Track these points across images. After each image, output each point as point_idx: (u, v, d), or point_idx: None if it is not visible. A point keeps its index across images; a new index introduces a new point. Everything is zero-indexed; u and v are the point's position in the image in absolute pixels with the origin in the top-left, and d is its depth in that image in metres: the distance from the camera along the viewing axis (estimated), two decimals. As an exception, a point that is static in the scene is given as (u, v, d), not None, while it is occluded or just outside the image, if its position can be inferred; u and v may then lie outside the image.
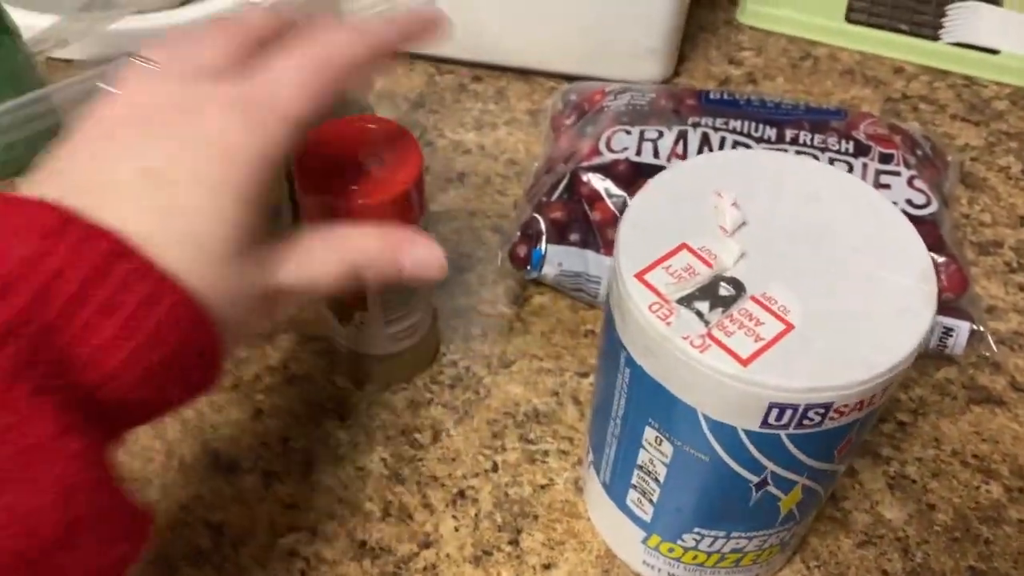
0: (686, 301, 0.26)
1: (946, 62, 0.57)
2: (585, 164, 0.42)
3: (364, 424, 0.40)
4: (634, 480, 0.31)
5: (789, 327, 0.25)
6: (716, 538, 0.31)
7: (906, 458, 0.39)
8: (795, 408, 0.25)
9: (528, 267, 0.42)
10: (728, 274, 0.26)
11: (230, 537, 0.36)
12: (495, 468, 0.39)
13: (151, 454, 0.39)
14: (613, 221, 0.42)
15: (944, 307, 0.39)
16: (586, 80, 0.53)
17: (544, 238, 0.42)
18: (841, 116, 0.45)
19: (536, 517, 0.37)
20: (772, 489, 0.28)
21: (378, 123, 0.34)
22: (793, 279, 0.26)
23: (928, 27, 0.58)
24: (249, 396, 0.41)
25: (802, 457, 0.27)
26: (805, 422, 0.25)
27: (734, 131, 0.43)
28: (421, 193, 0.34)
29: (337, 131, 0.33)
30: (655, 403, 0.27)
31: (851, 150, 0.42)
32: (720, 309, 0.26)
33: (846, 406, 0.25)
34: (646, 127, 0.43)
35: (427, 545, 0.36)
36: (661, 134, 0.43)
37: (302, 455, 0.39)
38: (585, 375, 0.42)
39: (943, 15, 0.59)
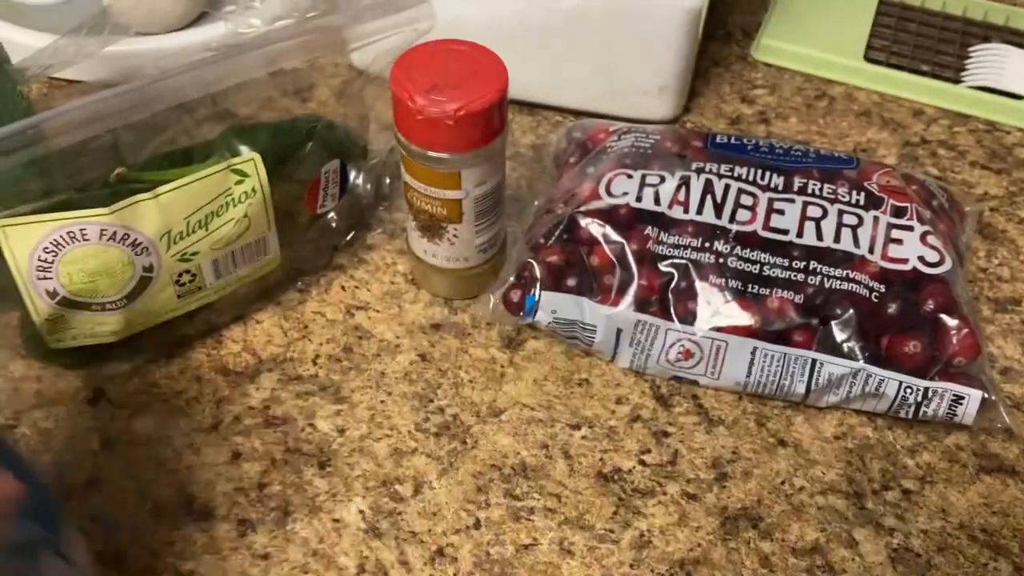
0: None
1: (968, 106, 0.55)
2: (584, 208, 0.41)
3: (344, 473, 0.38)
4: None
5: None
6: None
7: (910, 530, 0.37)
8: None
9: (521, 313, 0.41)
10: None
11: (198, 589, 0.35)
12: (477, 525, 0.37)
13: (124, 495, 0.37)
14: (611, 267, 0.40)
15: (954, 373, 0.38)
16: (592, 116, 0.51)
17: (539, 284, 0.40)
18: (853, 165, 0.43)
19: (517, 579, 0.35)
20: None
21: (467, 46, 0.38)
22: None
23: (950, 69, 0.56)
24: (227, 438, 0.39)
25: None
26: None
27: (739, 178, 0.41)
28: (502, 110, 0.38)
29: (431, 51, 0.38)
30: None
31: (862, 202, 0.41)
32: None
33: None
34: (648, 171, 0.42)
35: (402, 605, 0.35)
36: (663, 179, 0.41)
37: (278, 503, 0.37)
38: (577, 427, 0.40)
39: (966, 57, 0.57)
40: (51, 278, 0.36)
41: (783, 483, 0.38)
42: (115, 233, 0.36)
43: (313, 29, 0.44)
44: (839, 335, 0.38)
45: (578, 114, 0.53)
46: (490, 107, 0.36)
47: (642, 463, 0.39)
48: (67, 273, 0.36)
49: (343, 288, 0.45)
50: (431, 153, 0.38)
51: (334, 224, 0.45)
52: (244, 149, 0.38)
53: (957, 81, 0.55)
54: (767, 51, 0.57)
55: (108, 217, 0.35)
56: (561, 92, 0.52)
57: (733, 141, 0.44)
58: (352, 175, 0.45)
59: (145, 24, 0.47)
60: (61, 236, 0.35)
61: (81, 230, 0.35)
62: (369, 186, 0.47)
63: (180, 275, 0.38)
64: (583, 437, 0.40)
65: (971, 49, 0.57)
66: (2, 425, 0.40)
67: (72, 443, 0.39)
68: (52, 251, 0.35)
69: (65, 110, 0.38)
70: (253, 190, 0.38)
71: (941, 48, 0.57)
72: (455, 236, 0.41)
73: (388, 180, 0.49)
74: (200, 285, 0.40)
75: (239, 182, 0.38)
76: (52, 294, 0.36)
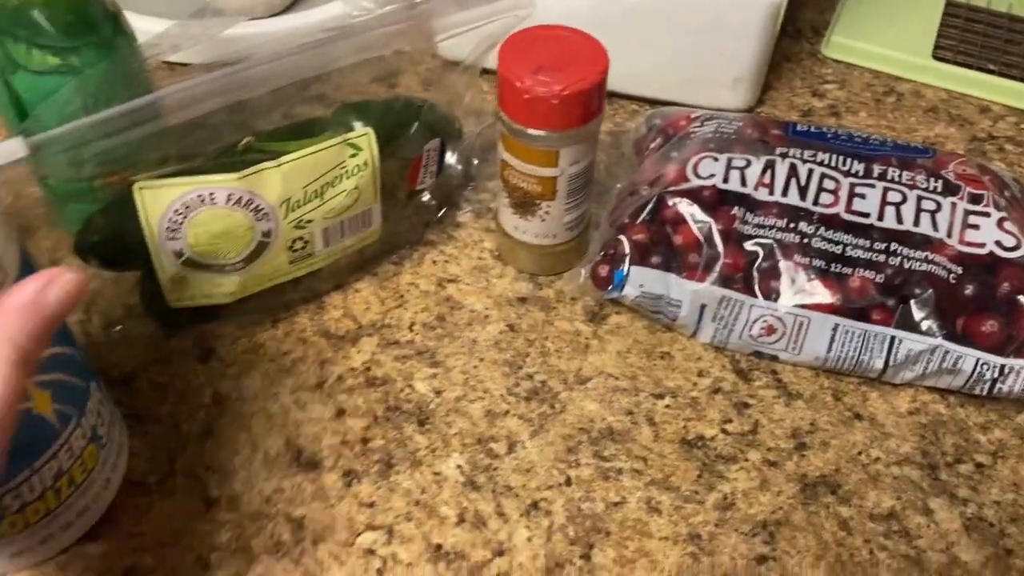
0: None
1: (1034, 104, 0.56)
2: (672, 188, 0.43)
3: (442, 430, 0.41)
4: None
5: None
6: (27, 481, 0.32)
7: (983, 500, 0.39)
8: None
9: (609, 287, 0.43)
10: None
11: (310, 532, 0.37)
12: (569, 482, 0.39)
13: (237, 445, 0.40)
14: (696, 246, 0.42)
15: (1031, 351, 0.39)
16: (668, 105, 0.53)
17: (628, 259, 0.42)
18: (929, 154, 0.45)
19: (608, 533, 0.38)
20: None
21: (569, 32, 0.41)
22: None
23: (1017, 68, 0.57)
24: (332, 396, 0.42)
25: None
26: None
27: (822, 163, 0.43)
28: (601, 92, 0.40)
29: (535, 36, 0.41)
30: None
31: (939, 188, 0.42)
32: None
33: None
34: (733, 155, 0.44)
35: (500, 553, 0.37)
36: (749, 163, 0.43)
37: (381, 456, 0.40)
38: (660, 397, 0.42)
39: (1033, 57, 0.58)
40: (179, 239, 0.39)
41: (860, 454, 0.40)
42: (240, 198, 0.38)
43: (405, 18, 0.46)
44: (917, 314, 0.40)
45: (653, 103, 0.55)
46: (592, 88, 0.39)
47: (724, 432, 0.41)
48: (194, 234, 0.38)
49: (434, 262, 0.48)
50: (533, 131, 0.40)
51: (427, 202, 0.48)
52: (358, 125, 0.41)
53: (1024, 80, 0.57)
54: (837, 48, 0.59)
55: (236, 182, 0.38)
56: (638, 82, 0.54)
57: (813, 130, 0.46)
58: (447, 155, 0.47)
59: (253, 8, 0.50)
60: (192, 199, 0.38)
61: (211, 194, 0.38)
62: (461, 167, 0.49)
63: (294, 242, 0.41)
64: (666, 406, 0.42)
65: (1037, 50, 0.59)
66: (120, 379, 0.42)
67: (185, 397, 0.42)
68: (182, 213, 0.38)
69: (180, 88, 0.40)
70: (365, 163, 0.41)
71: (1008, 48, 0.59)
72: (546, 213, 0.43)
73: (476, 162, 0.51)
74: (310, 252, 0.42)
75: (353, 155, 0.40)
76: (179, 254, 0.39)
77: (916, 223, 0.41)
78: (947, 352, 0.39)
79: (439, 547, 0.37)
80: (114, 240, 0.40)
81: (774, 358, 0.43)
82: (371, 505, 0.38)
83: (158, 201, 0.38)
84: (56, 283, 0.27)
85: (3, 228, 0.30)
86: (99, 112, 0.38)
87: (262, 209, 0.39)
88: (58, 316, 0.26)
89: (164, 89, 0.42)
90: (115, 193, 0.41)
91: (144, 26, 0.50)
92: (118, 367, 0.43)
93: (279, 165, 0.39)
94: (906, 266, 0.40)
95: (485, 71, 0.56)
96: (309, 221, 0.41)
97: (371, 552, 0.37)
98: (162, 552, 0.37)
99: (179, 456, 0.40)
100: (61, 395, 0.33)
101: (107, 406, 0.37)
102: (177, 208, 0.38)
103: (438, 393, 0.42)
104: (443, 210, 0.49)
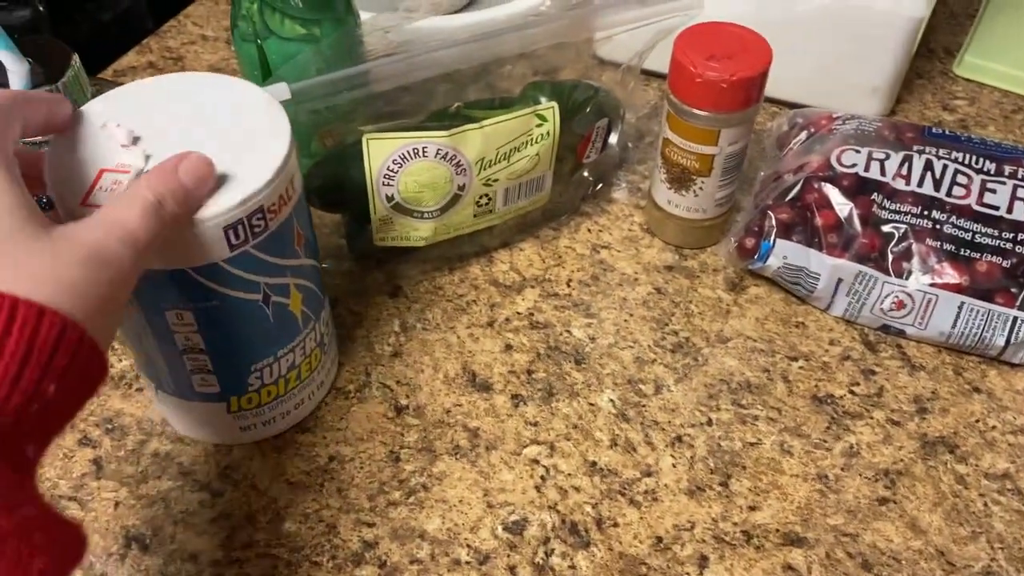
0: None
1: None
2: (818, 174, 0.48)
3: (596, 370, 0.46)
4: (189, 367, 0.38)
5: None
6: (269, 366, 0.39)
7: (1094, 473, 0.42)
8: (242, 222, 0.33)
9: (754, 257, 0.48)
10: (145, 170, 0.33)
11: (484, 440, 0.43)
12: (710, 423, 0.44)
13: (421, 366, 0.47)
14: (836, 227, 0.47)
15: None
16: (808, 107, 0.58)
17: (774, 233, 0.47)
18: (1059, 160, 0.48)
19: (744, 467, 0.42)
20: (277, 299, 0.37)
21: (738, 29, 0.47)
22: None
23: None
24: (501, 333, 0.48)
25: (273, 259, 0.36)
26: (256, 229, 0.34)
27: (956, 161, 0.47)
28: (763, 82, 0.46)
29: (706, 30, 0.46)
30: (155, 290, 0.35)
31: (1067, 189, 0.46)
32: None
33: (273, 204, 0.35)
34: (873, 149, 0.48)
35: (648, 474, 0.42)
36: (888, 156, 0.48)
37: (543, 385, 0.46)
38: (794, 359, 0.47)
39: None
40: (392, 185, 0.45)
41: (977, 421, 0.44)
42: (447, 153, 0.45)
43: (567, 16, 0.52)
44: (1041, 298, 0.44)
45: (793, 106, 0.60)
46: (757, 76, 0.44)
47: (852, 392, 0.45)
48: (404, 182, 0.45)
49: (589, 230, 0.54)
50: (700, 112, 0.46)
51: (586, 177, 0.54)
52: (543, 99, 0.47)
53: None
54: (970, 68, 0.63)
55: (445, 139, 0.45)
56: (782, 86, 0.60)
57: (947, 132, 0.50)
58: (611, 136, 0.53)
59: (439, 5, 0.58)
60: (408, 151, 0.45)
61: (423, 147, 0.45)
62: (619, 148, 0.55)
63: (481, 197, 0.47)
64: (800, 367, 0.47)
65: None
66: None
67: (378, 324, 0.49)
68: (399, 162, 0.45)
69: (389, 61, 0.47)
70: (548, 133, 0.47)
71: None
72: (700, 189, 0.49)
73: (630, 146, 0.57)
74: (491, 208, 0.49)
75: (539, 125, 0.47)
76: (389, 199, 0.46)
77: (1044, 218, 0.45)
78: (1067, 334, 0.43)
79: (594, 463, 0.43)
80: (332, 184, 0.47)
81: (900, 333, 0.47)
82: (535, 424, 0.44)
83: (381, 150, 0.45)
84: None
85: (295, 153, 0.37)
86: (330, 74, 0.45)
87: (462, 165, 0.46)
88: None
89: (372, 62, 0.49)
90: (330, 147, 0.48)
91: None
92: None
93: (481, 127, 0.45)
94: (1033, 255, 0.44)
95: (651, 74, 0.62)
96: (495, 180, 0.47)
97: (536, 462, 0.43)
98: (360, 445, 0.43)
99: (373, 371, 0.47)
100: (308, 300, 0.40)
101: (331, 322, 0.44)
102: (395, 158, 0.45)
103: (592, 339, 0.48)
104: (599, 186, 0.55)
